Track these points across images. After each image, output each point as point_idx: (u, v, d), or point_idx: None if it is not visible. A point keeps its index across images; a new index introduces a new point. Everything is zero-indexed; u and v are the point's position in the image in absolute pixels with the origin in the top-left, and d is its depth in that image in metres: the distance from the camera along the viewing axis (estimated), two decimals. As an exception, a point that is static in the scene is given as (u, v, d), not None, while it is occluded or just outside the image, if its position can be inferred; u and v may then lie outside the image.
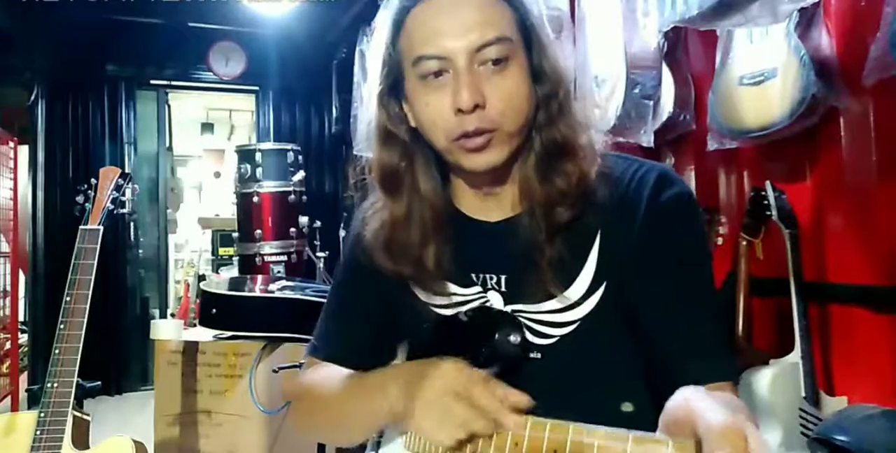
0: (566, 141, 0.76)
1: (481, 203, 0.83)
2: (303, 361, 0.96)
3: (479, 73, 0.72)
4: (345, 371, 0.87)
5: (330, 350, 0.91)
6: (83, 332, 1.63)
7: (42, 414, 1.56)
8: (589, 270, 0.76)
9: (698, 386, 0.65)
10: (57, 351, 1.61)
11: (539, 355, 0.78)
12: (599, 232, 0.76)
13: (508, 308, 0.79)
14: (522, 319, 0.78)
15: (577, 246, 0.76)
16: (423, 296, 0.85)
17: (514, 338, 0.77)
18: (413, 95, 0.77)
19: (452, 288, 0.83)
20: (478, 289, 0.81)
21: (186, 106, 6.14)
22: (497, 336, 0.77)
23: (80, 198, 1.83)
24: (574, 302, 0.76)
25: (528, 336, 0.78)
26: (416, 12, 0.75)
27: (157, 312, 5.16)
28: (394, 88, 0.80)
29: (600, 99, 2.10)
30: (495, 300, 0.81)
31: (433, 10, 0.74)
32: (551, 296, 0.76)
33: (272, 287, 2.49)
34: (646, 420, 0.60)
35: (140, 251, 4.87)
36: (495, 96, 0.72)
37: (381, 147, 0.82)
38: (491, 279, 0.80)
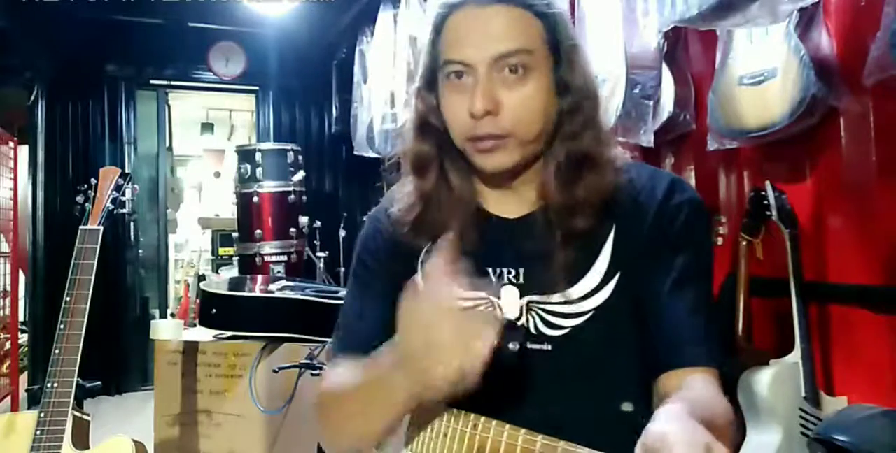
0: (591, 153, 0.80)
1: (500, 199, 0.87)
2: (317, 362, 0.95)
3: (498, 80, 0.77)
4: (346, 372, 0.85)
5: (349, 343, 0.91)
6: (83, 332, 1.63)
7: (42, 414, 1.56)
8: (602, 264, 0.80)
9: (679, 377, 0.73)
10: (57, 351, 1.61)
11: (549, 347, 0.81)
12: (614, 229, 0.81)
13: (525, 299, 0.82)
14: (536, 311, 0.82)
15: (591, 243, 0.81)
16: None
17: (513, 346, 0.80)
18: (441, 93, 0.84)
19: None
20: (481, 294, 0.83)
21: (186, 106, 6.14)
22: (510, 346, 0.80)
23: (80, 198, 1.83)
24: (586, 293, 0.80)
25: (541, 327, 0.81)
26: (451, 19, 0.81)
27: (157, 312, 5.16)
28: (431, 84, 0.86)
29: (600, 99, 2.10)
30: (507, 297, 0.83)
31: (465, 19, 0.80)
32: (566, 288, 0.80)
33: (272, 287, 2.49)
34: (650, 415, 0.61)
35: (140, 251, 4.87)
36: (510, 104, 0.77)
37: (418, 136, 0.87)
38: (509, 273, 0.84)
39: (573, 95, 0.81)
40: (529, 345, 0.81)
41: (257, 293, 2.50)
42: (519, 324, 0.82)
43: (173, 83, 5.04)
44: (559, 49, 0.80)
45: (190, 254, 6.63)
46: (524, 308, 0.82)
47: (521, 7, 0.79)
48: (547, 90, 0.79)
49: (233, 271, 4.55)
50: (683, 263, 0.79)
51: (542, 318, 0.81)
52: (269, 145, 3.88)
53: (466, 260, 0.81)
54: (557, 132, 0.81)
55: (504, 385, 0.78)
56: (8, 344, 3.83)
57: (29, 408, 3.45)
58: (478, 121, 0.77)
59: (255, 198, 3.43)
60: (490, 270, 0.84)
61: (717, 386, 0.74)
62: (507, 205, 0.86)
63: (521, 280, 0.83)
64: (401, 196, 0.90)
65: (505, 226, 0.86)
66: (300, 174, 3.54)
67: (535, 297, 0.82)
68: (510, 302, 0.83)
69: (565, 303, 0.80)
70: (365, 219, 0.98)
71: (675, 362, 0.76)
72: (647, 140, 1.99)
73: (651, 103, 1.98)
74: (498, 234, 0.85)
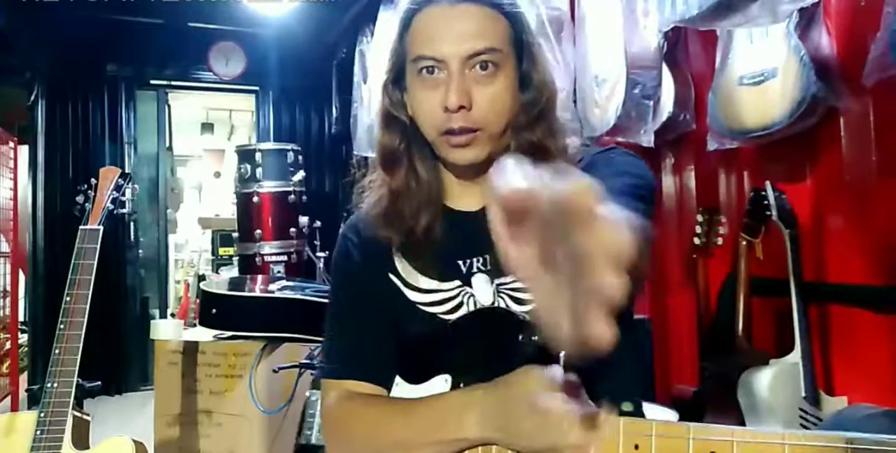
0: (540, 143, 0.84)
1: (464, 192, 0.91)
2: (317, 362, 0.96)
3: (469, 76, 0.81)
4: (382, 399, 0.88)
5: (351, 369, 0.91)
6: (83, 332, 1.63)
7: (42, 414, 1.56)
8: None
9: None
10: (57, 351, 1.61)
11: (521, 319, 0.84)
12: None
13: (495, 283, 0.86)
14: (504, 292, 0.86)
15: None
16: (410, 295, 0.90)
17: (537, 338, 0.81)
18: (411, 88, 0.86)
19: (433, 283, 0.88)
20: (457, 283, 0.87)
21: (186, 106, 6.14)
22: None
23: (80, 198, 1.83)
24: None
25: (511, 305, 0.85)
26: (421, 15, 0.84)
27: (157, 312, 5.15)
28: (398, 78, 0.88)
29: (600, 99, 2.10)
30: (479, 285, 0.87)
31: (437, 16, 0.83)
32: None
33: (272, 287, 2.49)
34: (602, 389, 0.68)
35: (140, 251, 4.87)
36: (481, 99, 0.81)
37: (384, 130, 0.90)
38: (477, 261, 0.87)
39: (533, 90, 0.85)
40: (503, 324, 0.85)
41: (257, 293, 2.50)
42: (494, 307, 0.86)
43: (173, 83, 5.04)
44: (522, 47, 0.85)
45: (190, 254, 6.63)
46: (495, 292, 0.86)
47: (489, 6, 0.82)
48: (512, 86, 0.83)
49: (233, 271, 4.55)
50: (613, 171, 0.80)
51: (510, 297, 0.85)
52: (269, 145, 3.87)
53: (437, 255, 0.87)
54: (513, 123, 0.84)
55: (495, 366, 0.78)
56: (8, 344, 3.83)
57: (29, 408, 3.44)
58: (452, 114, 0.80)
59: (255, 198, 3.43)
60: (461, 262, 0.88)
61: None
62: (472, 197, 0.89)
63: (489, 266, 0.86)
64: (370, 191, 0.93)
65: (470, 219, 0.89)
66: (300, 174, 3.54)
67: (501, 279, 0.86)
68: (482, 288, 0.86)
69: None
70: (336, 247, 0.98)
71: None
72: (647, 140, 2.00)
73: (651, 103, 1.98)
74: (464, 228, 0.88)
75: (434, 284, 0.88)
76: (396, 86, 0.89)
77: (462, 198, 0.91)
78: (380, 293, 0.90)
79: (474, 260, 0.87)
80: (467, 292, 0.87)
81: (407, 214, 0.88)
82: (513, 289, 0.85)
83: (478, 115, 0.80)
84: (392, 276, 0.90)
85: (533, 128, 0.85)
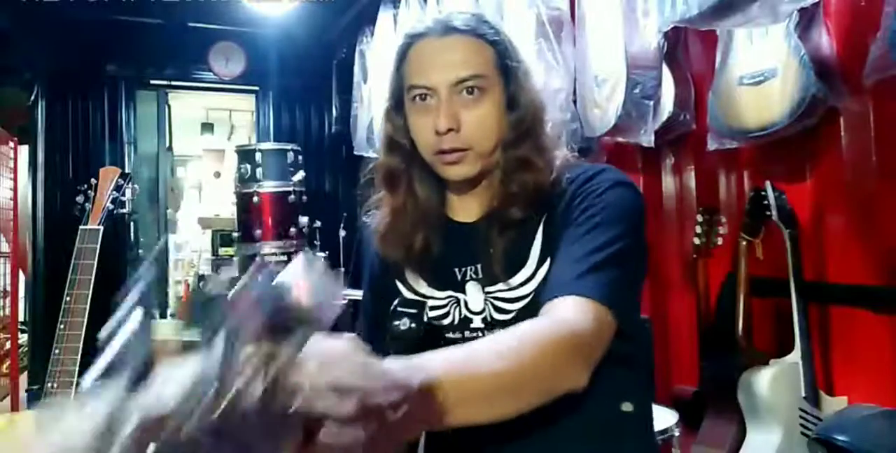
0: (527, 159, 0.91)
1: (463, 205, 0.98)
2: None
3: (457, 101, 0.88)
4: None
5: None
6: (83, 332, 1.63)
7: (42, 414, 1.56)
8: (535, 251, 0.90)
9: (557, 298, 0.77)
10: (57, 351, 1.61)
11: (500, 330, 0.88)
12: (543, 219, 0.91)
13: (486, 291, 0.93)
14: (490, 300, 0.92)
15: (526, 234, 0.91)
16: (409, 296, 0.97)
17: (472, 334, 0.90)
18: (408, 114, 0.94)
19: (431, 290, 0.96)
20: (449, 292, 0.95)
21: (186, 106, 6.13)
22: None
23: (80, 198, 1.84)
24: (525, 279, 0.90)
25: (495, 314, 0.92)
26: (414, 48, 0.92)
27: (157, 312, 5.15)
28: (398, 105, 0.96)
29: (600, 99, 2.10)
30: (472, 292, 0.93)
31: (427, 49, 0.91)
32: (509, 276, 0.90)
33: (272, 287, 2.48)
34: (603, 389, 0.71)
35: (140, 251, 4.87)
36: (469, 121, 0.88)
37: (387, 153, 0.97)
38: (471, 270, 0.94)
39: (519, 110, 0.91)
40: (486, 332, 0.91)
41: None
42: (482, 314, 0.93)
43: (173, 83, 5.03)
44: (508, 71, 0.91)
45: (190, 254, 6.62)
46: (484, 299, 0.93)
47: (474, 36, 0.90)
48: (499, 107, 0.90)
49: (233, 271, 4.54)
50: (580, 217, 0.85)
51: (494, 306, 0.92)
52: (269, 145, 3.88)
53: (437, 264, 0.95)
54: (502, 141, 0.91)
55: None
56: (8, 344, 3.83)
57: (29, 408, 3.44)
58: (442, 136, 0.87)
59: (255, 198, 3.43)
60: (456, 270, 0.95)
61: (577, 310, 0.74)
62: (469, 210, 0.97)
63: (480, 275, 0.93)
64: (375, 209, 1.01)
65: (466, 230, 0.96)
66: (300, 174, 3.54)
67: (489, 288, 0.92)
68: (474, 296, 0.93)
69: (508, 289, 0.90)
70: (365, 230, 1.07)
71: (544, 299, 0.79)
72: (647, 140, 1.99)
73: (651, 103, 1.98)
74: (461, 237, 0.96)
75: (431, 291, 0.96)
76: (398, 112, 0.96)
77: (460, 210, 0.98)
78: (388, 296, 0.97)
79: (468, 268, 0.94)
80: (456, 302, 0.94)
81: (406, 231, 0.95)
82: (496, 298, 0.91)
83: (466, 136, 0.88)
84: (398, 283, 0.98)
85: (520, 144, 0.91)
